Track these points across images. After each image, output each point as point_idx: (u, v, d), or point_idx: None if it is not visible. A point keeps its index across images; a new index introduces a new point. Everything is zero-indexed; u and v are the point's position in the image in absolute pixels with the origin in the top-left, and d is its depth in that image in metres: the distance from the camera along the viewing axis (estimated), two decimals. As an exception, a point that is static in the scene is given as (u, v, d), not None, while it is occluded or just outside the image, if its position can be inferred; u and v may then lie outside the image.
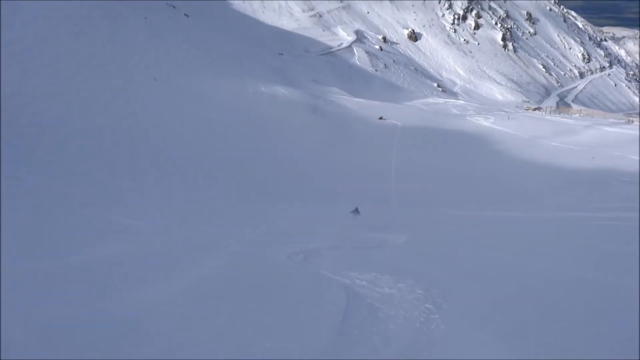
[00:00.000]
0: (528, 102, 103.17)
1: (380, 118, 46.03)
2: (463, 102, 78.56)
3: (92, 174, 17.36)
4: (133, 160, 21.34)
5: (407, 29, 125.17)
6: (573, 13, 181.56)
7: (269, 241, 10.09)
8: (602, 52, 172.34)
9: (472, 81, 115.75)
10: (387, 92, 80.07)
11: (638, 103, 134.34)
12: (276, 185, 25.73)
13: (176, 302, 5.23)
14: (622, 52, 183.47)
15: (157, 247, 8.29)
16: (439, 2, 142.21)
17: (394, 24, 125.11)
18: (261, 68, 60.71)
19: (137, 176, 20.09)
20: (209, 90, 41.85)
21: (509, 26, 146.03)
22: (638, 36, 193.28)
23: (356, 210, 17.49)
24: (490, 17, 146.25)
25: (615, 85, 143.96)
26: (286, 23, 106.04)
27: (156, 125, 28.45)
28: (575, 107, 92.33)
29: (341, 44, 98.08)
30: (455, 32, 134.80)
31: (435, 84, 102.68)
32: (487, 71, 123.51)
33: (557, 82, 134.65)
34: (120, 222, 10.39)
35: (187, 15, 62.20)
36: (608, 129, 39.23)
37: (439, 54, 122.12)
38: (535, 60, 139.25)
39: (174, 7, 62.32)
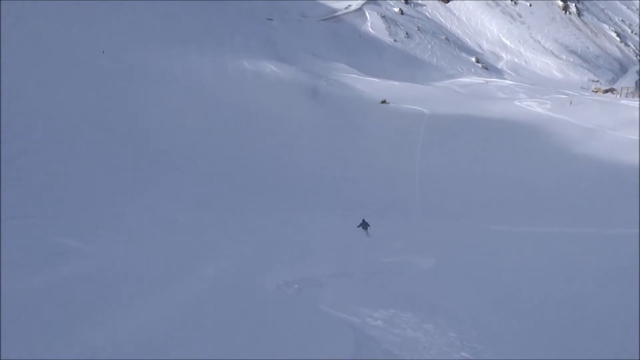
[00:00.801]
0: (597, 81, 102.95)
1: (383, 102, 46.39)
2: (510, 82, 78.64)
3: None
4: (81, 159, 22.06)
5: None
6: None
7: (254, 266, 10.21)
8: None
9: (523, 54, 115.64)
10: (410, 69, 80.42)
11: None
12: (268, 190, 26.61)
13: (123, 349, 5.21)
14: None
15: (115, 273, 8.41)
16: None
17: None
18: (245, 39, 61.54)
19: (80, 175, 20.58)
20: (175, 68, 42.40)
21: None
22: None
23: (364, 224, 18.04)
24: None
25: None
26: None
27: (101, 111, 29.17)
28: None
29: (349, 5, 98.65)
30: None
31: (474, 59, 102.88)
32: (542, 41, 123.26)
33: (637, 55, 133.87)
34: (60, 244, 10.55)
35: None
36: None
37: (478, 18, 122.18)
38: (606, 27, 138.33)
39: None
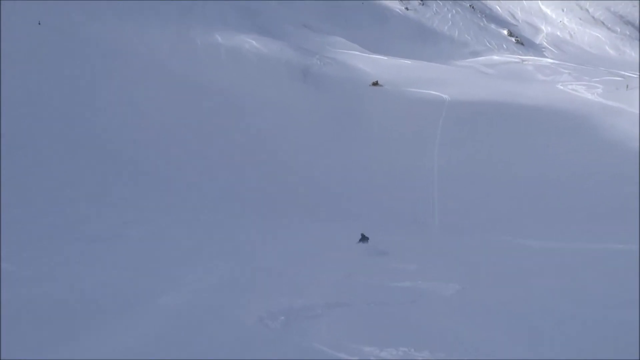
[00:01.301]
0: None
1: (375, 84, 47.42)
2: (551, 60, 78.71)
3: None
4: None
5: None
6: None
7: (230, 292, 10.30)
8: None
9: (567, 26, 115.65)
10: (425, 44, 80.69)
11: None
12: (247, 197, 27.00)
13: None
14: None
15: (55, 303, 8.53)
16: None
17: None
18: (218, 8, 60.98)
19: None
20: (132, 44, 42.77)
21: None
22: None
23: (363, 238, 18.66)
24: None
25: None
26: None
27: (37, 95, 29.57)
28: None
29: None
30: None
31: (505, 32, 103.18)
32: (591, 10, 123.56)
33: None
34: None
35: None
36: None
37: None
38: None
39: None
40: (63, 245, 14.87)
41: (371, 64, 54.52)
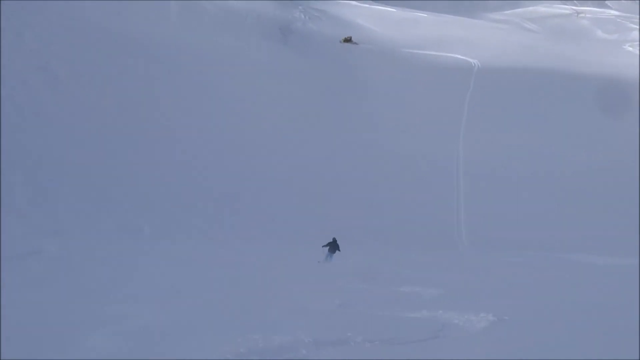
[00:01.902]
0: None
1: (347, 40, 48.22)
2: (616, 12, 78.67)
3: None
4: None
5: None
6: None
7: (186, 328, 10.48)
8: None
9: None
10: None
11: None
12: (210, 200, 27.23)
13: None
14: None
15: None
16: None
17: None
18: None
19: None
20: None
21: None
22: None
23: (334, 244, 19.80)
24: None
25: None
26: None
27: None
28: None
29: None
30: None
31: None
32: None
33: None
34: None
35: None
36: None
37: None
38: None
39: None
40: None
41: (374, 17, 54.26)
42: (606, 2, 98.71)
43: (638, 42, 53.49)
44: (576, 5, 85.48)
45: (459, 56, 46.27)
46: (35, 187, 24.84)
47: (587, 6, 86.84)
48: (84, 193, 24.98)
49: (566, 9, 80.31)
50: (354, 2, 60.27)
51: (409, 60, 46.27)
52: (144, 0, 46.99)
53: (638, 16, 75.16)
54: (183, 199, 27.01)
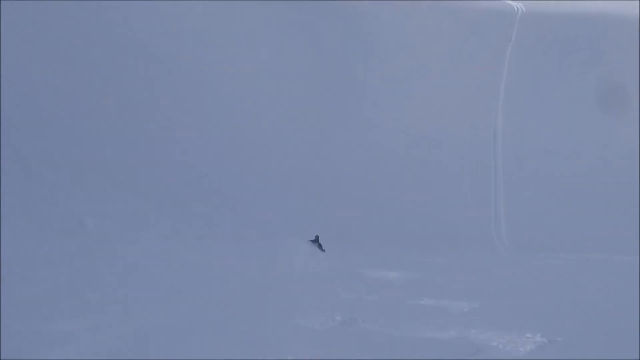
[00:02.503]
0: None
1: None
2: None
3: None
4: None
5: None
6: None
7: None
8: None
9: None
10: None
11: None
12: (178, 197, 28.11)
13: None
14: None
15: None
16: None
17: None
18: None
19: None
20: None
21: None
22: None
23: (316, 242, 20.75)
24: None
25: None
26: None
27: None
28: None
29: None
30: None
31: None
32: None
33: None
34: None
35: None
36: None
37: None
38: None
39: None
40: None
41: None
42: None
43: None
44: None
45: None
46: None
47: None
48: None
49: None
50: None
51: (434, 7, 43.76)
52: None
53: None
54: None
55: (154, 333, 11.17)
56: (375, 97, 36.78)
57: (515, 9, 40.80)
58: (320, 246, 21.24)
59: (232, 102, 38.38)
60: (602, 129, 34.14)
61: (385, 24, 41.91)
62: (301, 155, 33.19)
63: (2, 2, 40.47)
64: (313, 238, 21.47)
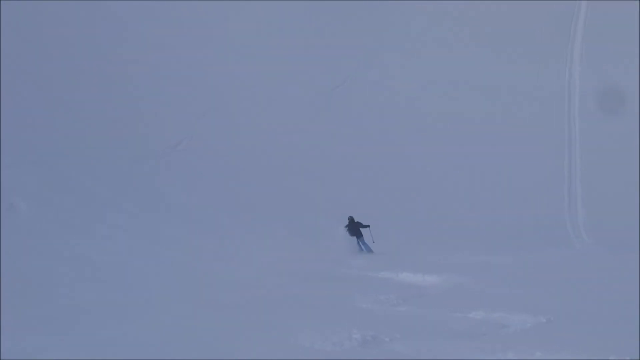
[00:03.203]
0: None
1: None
2: None
3: None
4: None
5: None
6: None
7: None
8: None
9: None
10: None
11: None
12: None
13: None
14: None
15: None
16: None
17: None
18: None
19: None
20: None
21: None
22: None
23: (352, 225, 22.15)
24: None
25: None
26: None
27: None
28: None
29: None
30: None
31: None
32: None
33: None
34: None
35: None
36: None
37: None
38: None
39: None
40: None
41: None
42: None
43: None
44: None
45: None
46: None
47: None
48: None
49: None
50: None
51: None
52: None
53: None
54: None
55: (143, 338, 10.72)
56: (451, 89, 39.66)
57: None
58: (358, 228, 21.27)
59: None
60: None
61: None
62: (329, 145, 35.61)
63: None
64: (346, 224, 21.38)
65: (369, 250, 24.75)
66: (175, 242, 24.20)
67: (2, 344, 8.87)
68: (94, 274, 17.14)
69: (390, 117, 41.62)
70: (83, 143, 32.59)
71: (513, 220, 26.09)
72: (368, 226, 24.07)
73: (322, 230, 26.01)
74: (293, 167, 35.85)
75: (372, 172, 35.70)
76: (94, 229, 24.06)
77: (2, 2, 43.10)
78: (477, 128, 36.03)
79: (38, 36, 44.56)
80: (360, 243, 24.90)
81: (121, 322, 11.56)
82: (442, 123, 39.79)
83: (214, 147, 37.37)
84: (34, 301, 13.08)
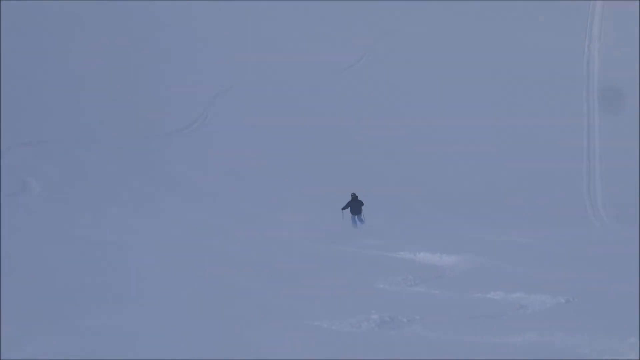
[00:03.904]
0: None
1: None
2: None
3: None
4: None
5: None
6: None
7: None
8: None
9: None
10: None
11: None
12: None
13: None
14: None
15: None
16: None
17: None
18: None
19: None
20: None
21: None
22: None
23: (354, 203, 22.68)
24: None
25: None
26: None
27: None
28: None
29: None
30: None
31: None
32: None
33: None
34: None
35: None
36: None
37: None
38: None
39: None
40: None
41: None
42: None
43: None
44: None
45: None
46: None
47: None
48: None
49: None
50: None
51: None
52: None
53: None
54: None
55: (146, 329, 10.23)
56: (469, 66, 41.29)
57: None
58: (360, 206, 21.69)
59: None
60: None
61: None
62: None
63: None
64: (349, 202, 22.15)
65: (362, 222, 25.90)
66: (187, 222, 25.13)
67: (2, 344, 8.23)
68: (102, 256, 17.28)
69: (409, 93, 42.66)
70: (97, 125, 34.45)
71: (532, 200, 26.24)
72: (362, 204, 25.18)
73: (335, 209, 26.93)
74: (305, 147, 37.20)
75: (389, 151, 36.41)
76: (105, 209, 25.22)
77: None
78: (497, 107, 36.42)
79: (51, 22, 46.37)
80: (357, 219, 25.99)
81: (125, 306, 11.66)
82: (464, 102, 40.49)
83: (225, 129, 39.70)
84: (33, 286, 13.04)
